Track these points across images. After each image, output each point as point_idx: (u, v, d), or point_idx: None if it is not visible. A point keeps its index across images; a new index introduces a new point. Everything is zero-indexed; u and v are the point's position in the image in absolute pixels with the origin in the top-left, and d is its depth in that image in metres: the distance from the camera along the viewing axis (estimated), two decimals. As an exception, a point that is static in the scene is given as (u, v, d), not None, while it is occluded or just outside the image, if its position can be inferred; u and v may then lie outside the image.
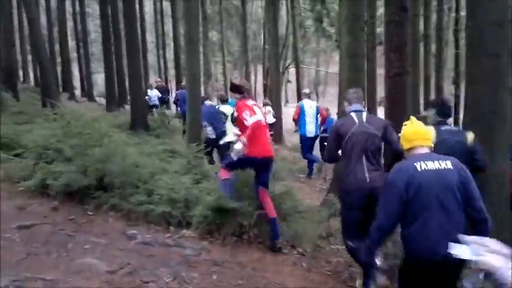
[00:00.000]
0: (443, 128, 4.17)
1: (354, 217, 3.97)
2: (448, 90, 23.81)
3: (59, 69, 27.22)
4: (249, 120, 4.57)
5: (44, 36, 16.67)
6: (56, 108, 7.02)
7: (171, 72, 30.62)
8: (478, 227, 2.78)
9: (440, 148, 3.69)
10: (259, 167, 4.77)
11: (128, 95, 16.95)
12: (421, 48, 15.28)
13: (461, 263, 2.68)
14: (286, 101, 37.75)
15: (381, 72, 14.33)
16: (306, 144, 8.89)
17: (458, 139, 4.09)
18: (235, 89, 4.95)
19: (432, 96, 16.94)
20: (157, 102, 15.86)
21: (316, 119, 8.97)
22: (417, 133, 3.00)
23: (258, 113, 4.75)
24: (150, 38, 35.99)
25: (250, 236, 4.77)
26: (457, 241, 2.66)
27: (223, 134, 8.03)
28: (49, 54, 17.48)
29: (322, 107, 9.66)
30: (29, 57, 30.52)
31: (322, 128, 9.91)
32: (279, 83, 19.13)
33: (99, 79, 29.78)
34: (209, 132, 8.53)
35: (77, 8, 27.35)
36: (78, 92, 27.80)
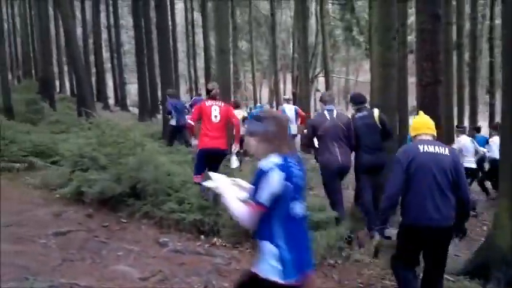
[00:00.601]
0: (357, 115, 5.60)
1: (330, 179, 5.44)
2: (483, 99, 23.19)
3: (93, 79, 28.01)
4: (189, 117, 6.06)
5: (79, 48, 17.20)
6: (91, 118, 7.22)
7: (201, 81, 31.01)
8: (461, 206, 3.36)
9: (356, 134, 5.46)
10: (208, 156, 5.64)
11: (159, 105, 17.34)
12: (454, 57, 14.96)
13: (451, 229, 3.35)
14: (315, 110, 37.56)
15: (412, 80, 14.09)
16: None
17: (367, 122, 5.49)
18: (206, 91, 6.21)
19: (466, 106, 16.54)
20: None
21: (296, 120, 10.32)
22: (422, 123, 3.62)
23: (213, 111, 5.70)
24: (181, 47, 36.61)
25: (280, 246, 4.75)
26: (448, 214, 3.27)
27: (183, 124, 9.93)
28: (84, 65, 18.00)
29: (300, 109, 11.12)
30: (65, 68, 31.56)
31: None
32: (308, 92, 19.08)
33: (132, 89, 30.47)
34: (170, 118, 10.64)
35: (111, 20, 28.14)
36: (112, 101, 28.52)
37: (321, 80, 32.31)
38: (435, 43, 7.49)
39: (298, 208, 2.13)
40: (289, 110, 10.38)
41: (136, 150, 5.97)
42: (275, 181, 2.01)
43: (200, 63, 32.01)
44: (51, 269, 3.80)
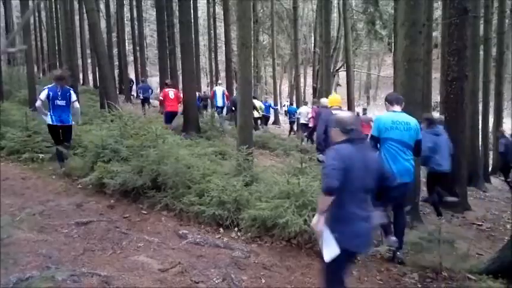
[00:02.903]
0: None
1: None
2: (509, 95, 22.57)
3: (116, 71, 28.29)
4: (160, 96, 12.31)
5: (103, 41, 17.38)
6: (114, 110, 7.29)
7: (222, 74, 31.03)
8: None
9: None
10: (170, 115, 11.81)
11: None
12: (481, 52, 14.55)
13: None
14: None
15: (435, 76, 13.78)
16: (217, 111, 15.72)
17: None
18: (165, 85, 12.61)
19: (491, 103, 16.13)
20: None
21: (223, 97, 16.20)
22: (335, 99, 6.65)
23: (170, 93, 11.81)
24: (203, 41, 36.67)
25: (299, 241, 4.73)
26: None
27: (147, 98, 18.31)
28: (108, 58, 18.21)
29: (226, 91, 17.31)
30: (89, 60, 31.99)
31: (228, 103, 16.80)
32: (329, 86, 18.91)
33: (153, 82, 30.68)
34: (139, 94, 18.73)
35: (135, 13, 28.35)
36: (134, 94, 28.77)
37: (342, 74, 31.99)
38: (462, 38, 7.31)
39: (58, 101, 6.76)
40: (219, 90, 16.42)
41: (158, 142, 6.00)
42: (44, 91, 6.76)
43: (221, 56, 32.00)
44: (72, 258, 3.87)
